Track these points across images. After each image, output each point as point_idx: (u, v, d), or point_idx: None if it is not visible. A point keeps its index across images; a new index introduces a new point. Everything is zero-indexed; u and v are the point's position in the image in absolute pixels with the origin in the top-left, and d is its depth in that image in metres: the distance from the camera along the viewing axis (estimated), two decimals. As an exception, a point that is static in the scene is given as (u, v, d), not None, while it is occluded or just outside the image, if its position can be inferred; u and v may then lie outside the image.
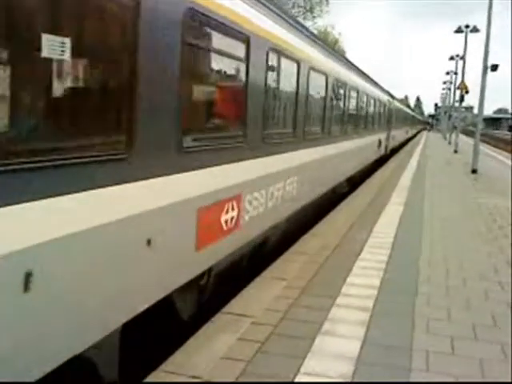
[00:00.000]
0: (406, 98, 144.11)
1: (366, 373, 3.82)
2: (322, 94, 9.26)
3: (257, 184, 5.83)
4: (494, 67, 21.68)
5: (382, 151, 22.57)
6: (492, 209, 11.17)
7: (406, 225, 9.05)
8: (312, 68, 8.08)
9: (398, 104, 34.09)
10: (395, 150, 30.75)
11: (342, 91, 11.21)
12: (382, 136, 22.15)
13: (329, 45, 13.42)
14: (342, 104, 11.33)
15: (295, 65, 7.32)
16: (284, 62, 6.72)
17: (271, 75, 6.25)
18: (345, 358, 4.02)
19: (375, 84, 19.95)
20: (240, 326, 4.47)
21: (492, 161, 26.32)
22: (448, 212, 10.62)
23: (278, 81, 6.74)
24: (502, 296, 5.65)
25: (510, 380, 3.84)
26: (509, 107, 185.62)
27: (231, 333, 4.32)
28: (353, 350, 4.17)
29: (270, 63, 6.08)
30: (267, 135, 6.11)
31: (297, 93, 7.42)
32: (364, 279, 5.91)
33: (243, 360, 3.87)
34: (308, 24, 39.44)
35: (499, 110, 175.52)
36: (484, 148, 34.21)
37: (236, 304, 4.96)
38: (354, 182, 14.41)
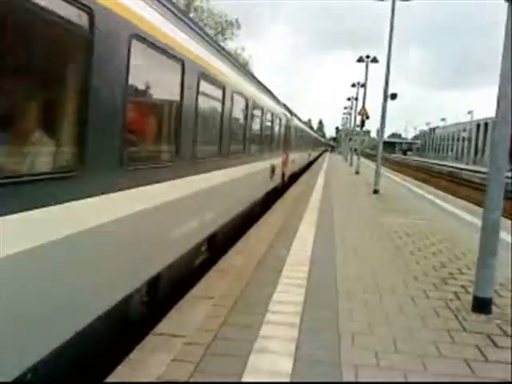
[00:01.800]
0: (309, 120, 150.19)
1: (301, 388, 3.91)
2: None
3: None
4: (393, 96, 23.36)
5: (277, 181, 17.42)
6: (395, 227, 11.93)
7: (320, 242, 9.41)
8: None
9: (298, 122, 28.85)
10: (295, 176, 26.38)
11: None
12: (277, 161, 17.11)
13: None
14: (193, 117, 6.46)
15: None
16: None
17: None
18: (279, 374, 4.08)
19: (265, 91, 14.37)
20: (173, 346, 4.38)
21: (390, 181, 28.15)
22: (357, 229, 11.20)
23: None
24: (413, 309, 6.04)
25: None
26: (401, 132, 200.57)
27: (165, 354, 4.22)
28: (286, 366, 4.24)
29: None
30: None
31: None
32: (288, 296, 6.05)
33: (181, 381, 3.80)
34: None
35: (393, 135, 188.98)
36: (381, 169, 36.55)
37: (166, 324, 4.85)
38: (225, 238, 9.07)
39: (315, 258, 8.12)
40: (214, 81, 7.40)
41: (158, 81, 5.38)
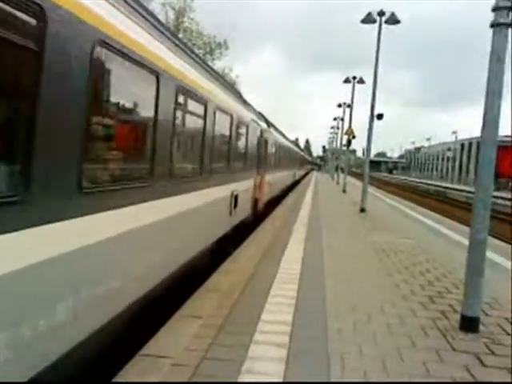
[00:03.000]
0: (297, 139, 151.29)
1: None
2: None
3: None
4: (380, 116, 23.60)
5: (245, 213, 12.73)
6: (383, 245, 11.95)
7: (309, 260, 9.40)
8: None
9: (279, 136, 24.45)
10: (278, 199, 22.85)
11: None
12: (245, 185, 12.41)
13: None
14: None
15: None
16: None
17: None
18: (269, 396, 4.04)
19: (223, 85, 10.15)
20: (160, 368, 4.31)
21: (376, 200, 28.28)
22: (345, 248, 11.21)
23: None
24: (402, 329, 6.03)
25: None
26: (387, 151, 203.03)
27: (152, 376, 4.14)
28: (275, 387, 4.20)
29: None
30: None
31: None
32: (277, 316, 6.01)
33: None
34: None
35: (378, 154, 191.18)
36: (368, 188, 36.75)
37: (154, 345, 4.78)
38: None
39: (305, 276, 8.09)
40: None
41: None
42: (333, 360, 4.88)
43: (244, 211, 12.55)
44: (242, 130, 12.02)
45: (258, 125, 15.23)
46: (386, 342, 5.52)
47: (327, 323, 5.93)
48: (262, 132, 15.81)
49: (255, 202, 14.83)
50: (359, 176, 67.43)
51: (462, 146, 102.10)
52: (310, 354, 4.97)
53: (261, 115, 17.31)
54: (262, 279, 7.74)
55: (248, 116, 13.08)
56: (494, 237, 14.13)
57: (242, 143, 12.12)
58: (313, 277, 8.20)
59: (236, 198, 10.84)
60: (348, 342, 5.42)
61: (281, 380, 4.31)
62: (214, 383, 3.59)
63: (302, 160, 57.64)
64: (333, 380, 4.43)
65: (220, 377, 4.26)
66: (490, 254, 8.04)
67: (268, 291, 7.02)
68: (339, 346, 5.27)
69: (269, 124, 18.92)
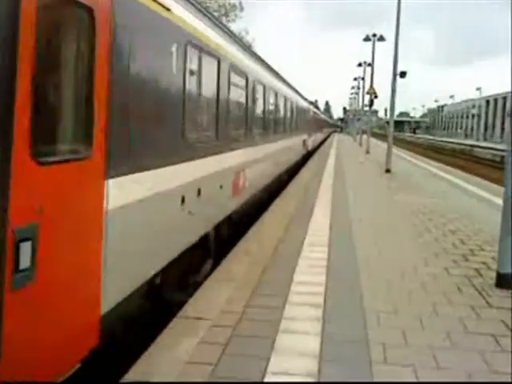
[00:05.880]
0: (316, 101, 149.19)
1: (330, 368, 3.88)
2: None
3: None
4: (403, 74, 23.01)
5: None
6: (411, 205, 11.82)
7: (336, 222, 9.37)
8: None
9: (265, 72, 11.77)
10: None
11: None
12: None
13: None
14: None
15: None
16: None
17: None
18: (308, 355, 4.06)
19: None
20: (199, 329, 4.38)
21: (400, 160, 27.90)
22: (372, 209, 11.13)
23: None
24: (436, 287, 5.99)
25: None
26: (410, 111, 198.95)
27: (192, 337, 4.21)
28: (313, 346, 4.22)
29: None
30: None
31: None
32: (310, 277, 6.02)
33: (209, 363, 3.79)
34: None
35: (401, 114, 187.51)
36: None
37: (191, 308, 4.85)
38: None
39: (334, 238, 8.08)
40: None
41: None
42: (369, 318, 4.88)
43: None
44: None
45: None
46: (421, 299, 5.49)
47: (361, 283, 5.92)
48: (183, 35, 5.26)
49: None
50: (381, 137, 66.44)
51: (487, 102, 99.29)
52: (346, 313, 4.99)
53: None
54: (293, 242, 7.75)
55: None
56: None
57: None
58: (342, 237, 8.18)
59: None
60: (383, 300, 5.41)
61: (319, 339, 4.34)
62: (224, 383, 3.60)
63: (319, 123, 43.56)
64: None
65: (258, 336, 4.31)
66: None
67: (299, 253, 7.03)
68: (374, 304, 5.26)
69: (224, 29, 7.90)
